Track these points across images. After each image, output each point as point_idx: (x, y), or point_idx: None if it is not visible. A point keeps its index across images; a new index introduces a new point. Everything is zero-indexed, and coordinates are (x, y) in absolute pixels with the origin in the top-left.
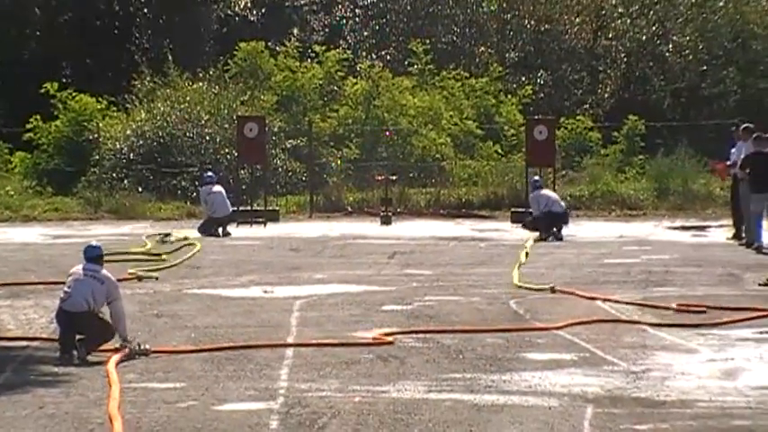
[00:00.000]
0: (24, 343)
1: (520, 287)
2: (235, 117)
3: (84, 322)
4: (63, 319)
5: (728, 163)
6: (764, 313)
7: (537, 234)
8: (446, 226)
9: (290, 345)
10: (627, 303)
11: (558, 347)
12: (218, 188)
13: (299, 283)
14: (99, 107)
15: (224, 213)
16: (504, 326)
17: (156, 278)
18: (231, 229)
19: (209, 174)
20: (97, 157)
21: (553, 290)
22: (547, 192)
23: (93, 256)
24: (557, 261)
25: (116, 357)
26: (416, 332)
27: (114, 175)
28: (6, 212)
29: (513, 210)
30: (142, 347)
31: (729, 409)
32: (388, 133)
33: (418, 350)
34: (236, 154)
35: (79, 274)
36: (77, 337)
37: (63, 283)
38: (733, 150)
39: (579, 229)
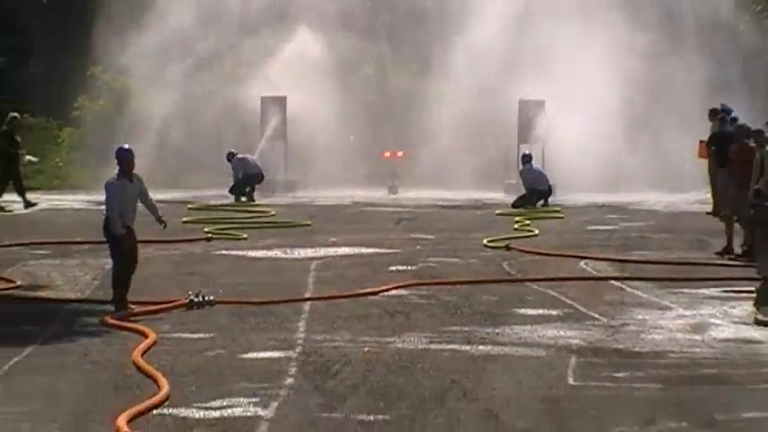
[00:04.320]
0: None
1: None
2: None
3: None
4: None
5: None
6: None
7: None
8: (448, 195)
9: (308, 299)
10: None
11: (546, 304)
12: (245, 154)
13: (315, 245)
14: (137, 88)
15: (257, 171)
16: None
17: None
18: (254, 195)
19: (233, 150)
20: (137, 132)
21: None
22: (535, 167)
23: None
24: (545, 228)
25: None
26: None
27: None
28: (56, 181)
29: (507, 181)
30: (205, 299)
31: (698, 359)
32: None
33: (421, 306)
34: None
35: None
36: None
37: (104, 242)
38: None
39: (566, 199)
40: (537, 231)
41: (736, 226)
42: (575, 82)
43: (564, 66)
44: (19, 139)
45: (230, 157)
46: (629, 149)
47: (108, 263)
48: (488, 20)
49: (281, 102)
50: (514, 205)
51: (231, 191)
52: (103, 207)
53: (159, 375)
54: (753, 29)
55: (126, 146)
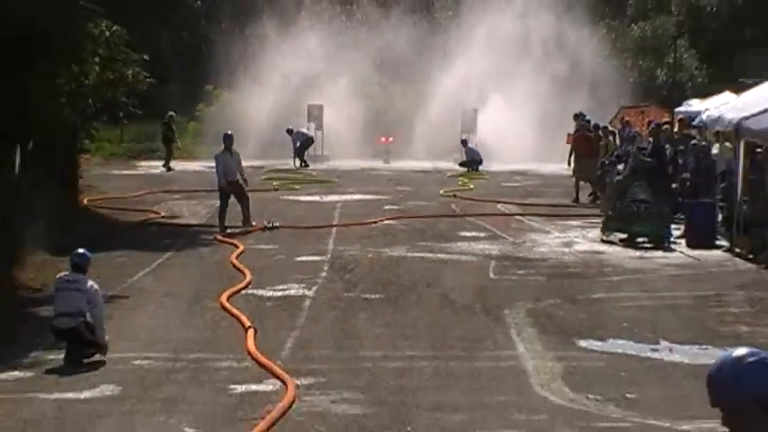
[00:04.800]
0: (194, 222)
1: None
2: None
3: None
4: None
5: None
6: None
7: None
8: (419, 164)
9: (334, 225)
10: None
11: (478, 229)
12: (299, 129)
13: (339, 194)
14: (236, 98)
15: (309, 136)
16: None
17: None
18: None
19: (289, 128)
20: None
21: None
22: (471, 146)
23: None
24: (477, 184)
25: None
26: (400, 217)
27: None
28: (185, 154)
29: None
30: (274, 224)
31: (567, 263)
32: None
33: (403, 230)
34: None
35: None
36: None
37: (215, 191)
38: None
39: (490, 166)
40: (472, 186)
41: (582, 183)
42: (502, 96)
43: (494, 86)
44: (174, 128)
45: (289, 132)
46: (532, 137)
47: (217, 203)
48: (449, 58)
49: (320, 108)
50: (460, 165)
51: (296, 153)
52: (214, 169)
53: (246, 270)
54: (609, 67)
55: (229, 132)
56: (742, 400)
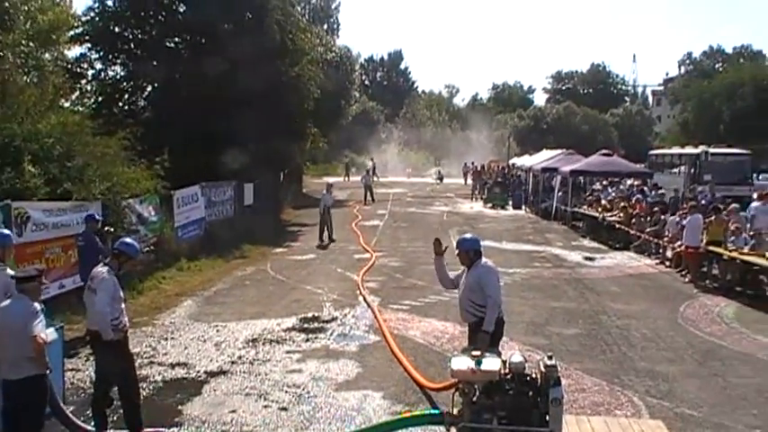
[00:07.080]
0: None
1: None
2: None
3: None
4: None
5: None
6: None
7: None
8: (422, 179)
9: (390, 200)
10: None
11: (440, 201)
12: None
13: (391, 188)
14: (355, 157)
15: (373, 164)
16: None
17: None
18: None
19: (371, 156)
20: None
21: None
22: (441, 172)
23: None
24: (441, 186)
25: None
26: (413, 196)
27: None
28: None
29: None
30: (372, 201)
31: (471, 214)
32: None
33: (413, 201)
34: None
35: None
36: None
37: (357, 187)
38: None
39: (446, 181)
40: (438, 186)
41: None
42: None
43: (452, 153)
44: (348, 164)
45: (372, 159)
46: (457, 171)
47: (349, 191)
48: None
49: (385, 160)
50: (436, 179)
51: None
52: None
53: (359, 215)
54: (488, 147)
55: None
56: (464, 249)
